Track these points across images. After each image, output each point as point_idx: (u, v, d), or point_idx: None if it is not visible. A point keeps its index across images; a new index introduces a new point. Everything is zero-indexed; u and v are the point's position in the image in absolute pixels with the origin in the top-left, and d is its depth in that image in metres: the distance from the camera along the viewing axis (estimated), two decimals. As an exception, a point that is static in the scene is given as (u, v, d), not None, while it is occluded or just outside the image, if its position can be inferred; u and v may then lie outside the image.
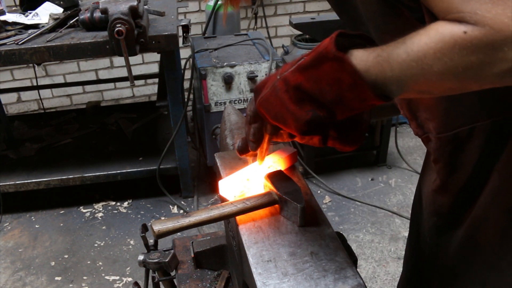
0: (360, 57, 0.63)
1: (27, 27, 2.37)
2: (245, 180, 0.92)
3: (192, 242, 1.24)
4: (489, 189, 0.81)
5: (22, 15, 2.46)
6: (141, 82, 4.05)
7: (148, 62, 3.97)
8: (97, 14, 2.25)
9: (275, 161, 0.98)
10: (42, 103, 3.78)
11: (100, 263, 2.48)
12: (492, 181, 0.80)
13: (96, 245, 2.61)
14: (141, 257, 1.20)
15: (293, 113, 0.70)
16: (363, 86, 0.63)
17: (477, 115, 0.76)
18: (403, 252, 1.16)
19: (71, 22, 2.36)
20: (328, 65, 0.65)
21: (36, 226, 2.79)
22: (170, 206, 2.88)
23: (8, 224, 2.81)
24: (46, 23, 2.38)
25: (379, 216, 2.71)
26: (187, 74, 3.01)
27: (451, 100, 0.77)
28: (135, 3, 2.07)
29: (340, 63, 0.64)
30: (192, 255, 1.21)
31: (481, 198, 0.83)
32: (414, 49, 0.58)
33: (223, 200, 0.94)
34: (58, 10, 2.48)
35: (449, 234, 0.92)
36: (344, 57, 0.63)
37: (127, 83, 3.89)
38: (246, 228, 0.83)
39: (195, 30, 3.83)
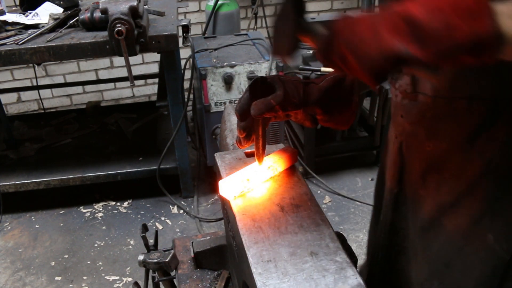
0: None
1: (27, 27, 2.37)
2: (245, 180, 0.92)
3: (192, 242, 1.24)
4: (466, 177, 0.81)
5: (22, 15, 2.46)
6: (141, 82, 4.05)
7: (148, 62, 3.97)
8: (97, 14, 2.25)
9: (275, 161, 0.98)
10: (42, 103, 3.78)
11: (100, 263, 2.48)
12: (470, 169, 0.80)
13: (96, 245, 2.61)
14: (141, 257, 1.20)
15: (379, 40, 0.59)
16: (485, 13, 0.54)
17: (478, 90, 0.75)
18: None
19: (71, 22, 2.36)
20: None
21: (36, 226, 2.79)
22: (170, 206, 2.88)
23: (8, 224, 2.81)
24: (46, 23, 2.38)
25: (379, 216, 2.71)
26: (187, 74, 3.01)
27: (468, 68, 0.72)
28: (135, 3, 2.07)
29: None
30: (192, 255, 1.21)
31: (451, 184, 0.83)
32: None
33: (223, 200, 0.94)
34: (58, 10, 2.48)
35: (407, 210, 0.94)
36: None
37: (127, 83, 3.89)
38: (246, 228, 0.83)
39: (195, 30, 3.83)
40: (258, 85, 0.88)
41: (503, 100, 0.73)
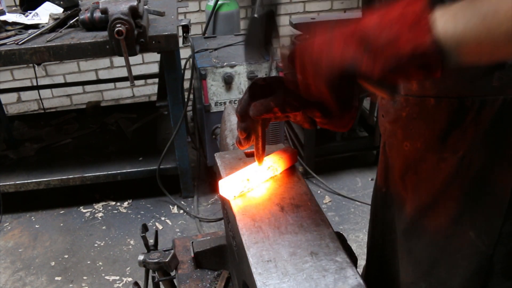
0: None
1: (27, 27, 2.37)
2: (245, 180, 0.92)
3: (192, 242, 1.24)
4: (441, 177, 0.82)
5: (22, 15, 2.46)
6: (141, 82, 4.05)
7: (148, 62, 3.97)
8: (97, 14, 2.25)
9: (275, 162, 0.98)
10: (42, 103, 3.78)
11: (100, 263, 2.48)
12: (445, 168, 0.81)
13: (96, 245, 2.61)
14: (141, 257, 1.20)
15: (332, 54, 0.61)
16: (425, 27, 0.56)
17: (445, 89, 0.76)
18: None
19: (71, 22, 2.36)
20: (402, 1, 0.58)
21: (36, 226, 2.79)
22: (170, 206, 2.88)
23: (8, 224, 2.81)
24: (46, 23, 2.38)
25: (379, 216, 2.71)
26: (187, 74, 3.01)
27: None
28: (135, 3, 2.07)
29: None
30: (192, 255, 1.21)
31: (428, 184, 0.84)
32: (483, 8, 0.53)
33: (223, 200, 0.94)
34: (58, 10, 2.48)
35: (395, 211, 0.95)
36: None
37: (127, 83, 3.89)
38: (246, 228, 0.83)
39: (195, 30, 3.83)
40: (258, 86, 0.88)
41: (469, 98, 0.74)
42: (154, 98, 3.73)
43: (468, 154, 0.77)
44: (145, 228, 1.26)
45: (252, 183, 0.93)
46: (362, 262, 1.26)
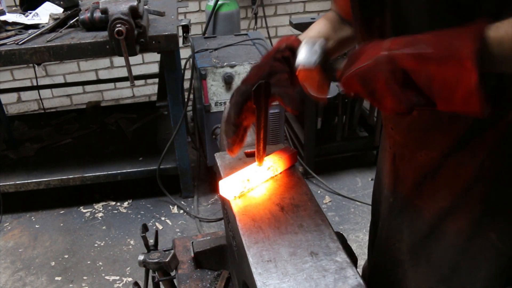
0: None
1: (27, 27, 2.37)
2: (246, 180, 0.92)
3: (192, 242, 1.24)
4: (461, 181, 0.82)
5: (22, 15, 2.46)
6: (141, 82, 4.04)
7: (148, 62, 3.97)
8: (97, 14, 2.25)
9: (275, 162, 0.98)
10: (42, 103, 3.78)
11: (100, 263, 2.48)
12: (464, 173, 0.81)
13: (96, 245, 2.61)
14: (141, 257, 1.20)
15: (396, 94, 0.66)
16: (477, 96, 0.60)
17: None
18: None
19: (71, 22, 2.36)
20: (452, 66, 0.60)
21: (36, 226, 2.79)
22: (170, 206, 2.88)
23: (8, 224, 2.81)
24: (46, 23, 2.38)
25: (379, 216, 2.71)
26: (187, 74, 3.01)
27: None
28: (135, 3, 2.07)
29: (464, 69, 0.59)
30: (192, 255, 1.21)
31: (447, 189, 0.84)
32: None
33: (223, 200, 0.94)
34: (58, 10, 2.48)
35: (403, 222, 0.95)
36: (474, 68, 0.59)
37: (127, 83, 3.89)
38: (246, 228, 0.83)
39: (195, 30, 3.83)
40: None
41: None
42: (154, 98, 3.73)
43: (488, 158, 0.77)
44: (145, 228, 1.26)
45: (252, 183, 0.93)
46: (362, 262, 1.26)
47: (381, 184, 1.05)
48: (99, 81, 3.83)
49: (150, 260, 1.19)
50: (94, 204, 2.93)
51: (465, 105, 0.61)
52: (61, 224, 2.78)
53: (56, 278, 2.40)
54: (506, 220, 0.79)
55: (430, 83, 0.62)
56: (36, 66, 3.54)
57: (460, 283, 0.88)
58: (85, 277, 2.40)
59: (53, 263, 2.50)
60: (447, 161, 0.83)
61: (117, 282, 2.37)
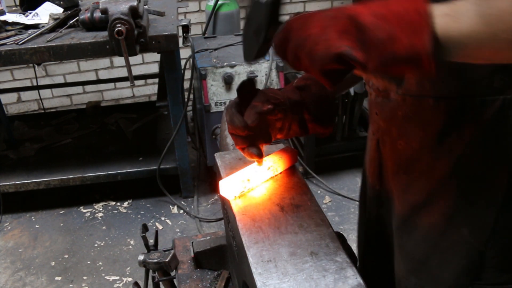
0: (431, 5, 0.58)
1: (27, 27, 2.37)
2: (246, 180, 0.92)
3: (192, 242, 1.24)
4: (436, 176, 0.82)
5: (22, 15, 2.46)
6: (141, 82, 4.04)
7: (148, 62, 3.97)
8: (97, 14, 2.25)
9: (275, 162, 0.98)
10: (42, 103, 3.78)
11: (100, 263, 2.48)
12: (440, 167, 0.81)
13: (96, 245, 2.61)
14: (141, 257, 1.20)
15: (328, 40, 0.61)
16: (424, 29, 0.56)
17: (445, 89, 0.77)
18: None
19: (71, 22, 2.36)
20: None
21: (36, 226, 2.79)
22: (170, 206, 2.88)
23: (8, 224, 2.81)
24: (46, 23, 2.38)
25: (379, 216, 2.71)
26: (187, 74, 3.01)
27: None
28: (135, 3, 2.07)
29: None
30: (192, 255, 1.21)
31: (421, 183, 0.85)
32: (487, 12, 0.54)
33: (223, 200, 0.94)
34: (58, 10, 2.48)
35: (390, 206, 0.96)
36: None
37: (127, 83, 3.89)
38: (246, 228, 0.83)
39: (195, 30, 3.83)
40: (247, 89, 0.91)
41: (469, 98, 0.75)
42: (154, 98, 3.73)
43: (465, 153, 0.78)
44: (145, 228, 1.26)
45: (252, 183, 0.93)
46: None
47: (367, 173, 1.06)
48: (99, 81, 3.83)
49: (150, 260, 1.19)
50: (94, 204, 2.93)
51: (409, 32, 0.57)
52: (61, 224, 2.78)
53: (56, 278, 2.40)
54: (478, 216, 0.80)
55: (376, 20, 0.59)
56: (36, 66, 3.53)
57: (429, 276, 0.89)
58: (85, 277, 2.40)
59: (53, 263, 2.50)
60: (424, 154, 0.83)
61: (117, 282, 2.37)
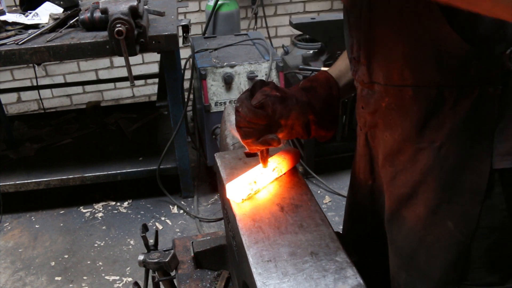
0: None
1: (27, 27, 2.37)
2: (253, 183, 0.92)
3: (192, 242, 1.24)
4: (419, 167, 0.83)
5: (22, 15, 2.46)
6: (141, 82, 4.04)
7: (148, 62, 3.97)
8: (97, 14, 2.25)
9: (279, 163, 0.98)
10: (42, 103, 3.78)
11: (100, 263, 2.48)
12: (422, 159, 0.82)
13: (96, 245, 2.61)
14: (141, 257, 1.20)
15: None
16: None
17: (423, 78, 0.77)
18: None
19: (71, 22, 2.36)
20: None
21: (36, 226, 2.79)
22: (170, 206, 2.88)
23: (8, 224, 2.81)
24: (46, 23, 2.38)
25: (379, 216, 2.71)
26: (187, 74, 3.01)
27: (413, 54, 0.76)
28: (135, 3, 2.07)
29: None
30: (192, 255, 1.21)
31: (406, 175, 0.86)
32: None
33: (223, 200, 0.94)
34: (58, 10, 2.48)
35: (383, 201, 0.96)
36: None
37: (127, 83, 3.89)
38: (246, 228, 0.83)
39: (195, 30, 3.83)
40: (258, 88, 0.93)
41: (447, 87, 0.75)
42: (154, 98, 3.73)
43: (445, 144, 0.79)
44: (145, 228, 1.26)
45: (259, 185, 0.93)
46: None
47: (358, 170, 1.06)
48: (99, 81, 3.83)
49: (150, 260, 1.19)
50: (94, 204, 2.93)
51: None
52: (61, 224, 2.78)
53: (56, 278, 2.40)
54: (462, 208, 0.80)
55: None
56: (36, 66, 3.54)
57: (418, 271, 0.89)
58: (85, 277, 2.40)
59: (53, 263, 2.50)
60: (407, 146, 0.84)
61: (117, 282, 2.37)
